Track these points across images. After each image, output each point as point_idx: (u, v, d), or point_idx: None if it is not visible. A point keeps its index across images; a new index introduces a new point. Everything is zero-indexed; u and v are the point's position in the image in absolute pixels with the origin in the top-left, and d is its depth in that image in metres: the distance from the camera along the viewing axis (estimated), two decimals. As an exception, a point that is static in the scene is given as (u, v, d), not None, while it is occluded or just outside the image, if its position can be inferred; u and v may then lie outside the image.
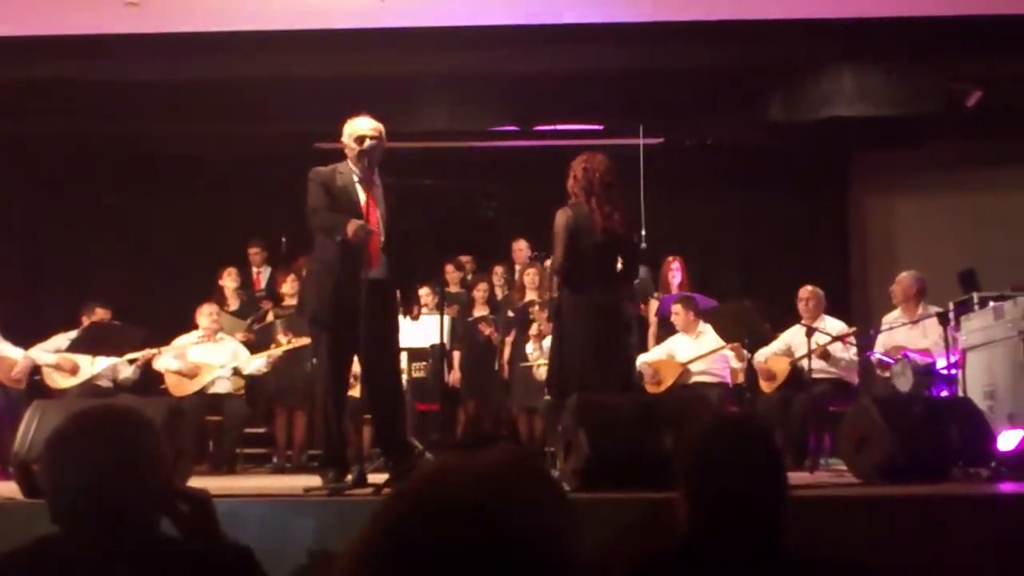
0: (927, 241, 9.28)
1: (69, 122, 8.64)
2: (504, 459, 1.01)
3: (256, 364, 7.72)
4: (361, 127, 4.91)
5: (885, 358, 6.83)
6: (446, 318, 5.68)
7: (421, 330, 7.17)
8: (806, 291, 7.18)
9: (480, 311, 8.41)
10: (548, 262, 5.74)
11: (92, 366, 7.30)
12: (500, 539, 0.93)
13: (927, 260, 7.93)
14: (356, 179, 4.92)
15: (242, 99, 8.51)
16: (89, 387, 7.31)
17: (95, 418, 1.91)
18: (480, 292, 8.44)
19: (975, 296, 6.59)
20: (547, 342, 7.52)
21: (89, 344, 7.12)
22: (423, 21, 7.82)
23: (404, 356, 7.56)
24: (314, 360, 6.22)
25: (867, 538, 3.55)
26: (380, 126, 4.95)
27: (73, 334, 7.32)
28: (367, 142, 4.86)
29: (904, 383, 6.51)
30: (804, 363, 6.65)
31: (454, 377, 8.24)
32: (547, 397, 7.41)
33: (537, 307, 7.75)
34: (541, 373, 7.54)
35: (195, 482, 4.54)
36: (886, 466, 4.67)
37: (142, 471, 1.86)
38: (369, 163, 4.88)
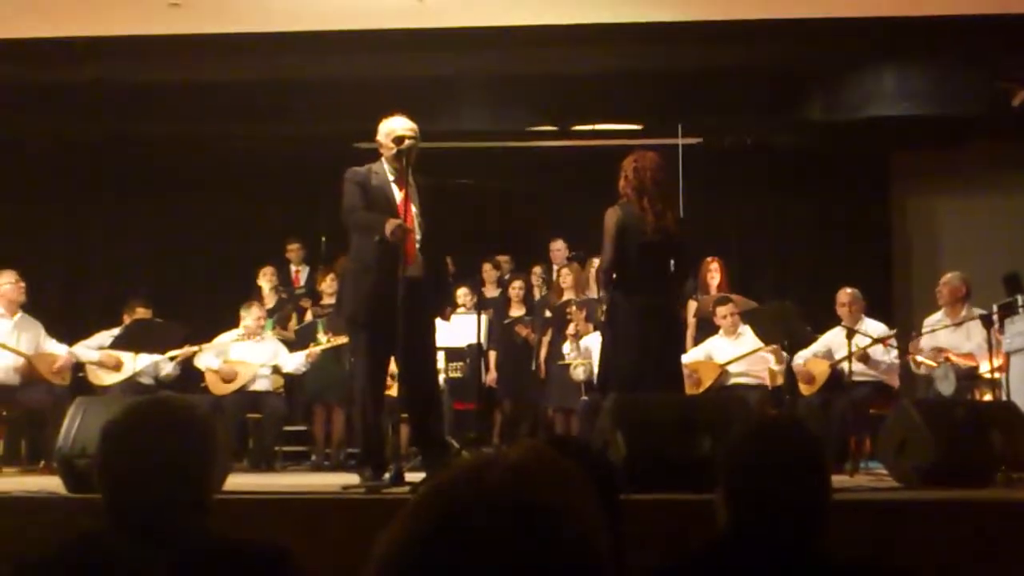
0: (970, 243, 9.15)
1: (111, 122, 8.75)
2: (540, 454, 1.01)
3: (295, 363, 7.78)
4: (399, 126, 4.94)
5: (927, 361, 6.75)
6: (483, 318, 5.70)
7: (458, 330, 7.22)
8: (846, 294, 7.10)
9: (516, 311, 8.42)
10: (594, 261, 5.70)
11: (135, 363, 7.39)
12: (537, 534, 0.93)
13: (969, 262, 7.82)
14: (391, 179, 4.95)
15: (282, 99, 8.58)
16: (132, 384, 7.39)
17: (152, 411, 1.92)
18: (515, 290, 8.44)
19: (1020, 299, 6.49)
20: (584, 342, 7.53)
21: (132, 341, 7.21)
22: (462, 21, 7.83)
23: (441, 355, 7.60)
24: (352, 359, 6.26)
25: (907, 543, 3.51)
26: (415, 126, 4.98)
27: (116, 331, 7.41)
28: (405, 142, 4.88)
29: (947, 387, 6.43)
30: (844, 365, 6.59)
31: (491, 377, 8.25)
32: (584, 397, 7.41)
33: (575, 307, 7.74)
34: (578, 373, 7.54)
35: (235, 479, 4.59)
36: (927, 470, 4.62)
37: (195, 467, 1.87)
38: (406, 162, 4.90)
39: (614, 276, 5.24)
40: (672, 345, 5.43)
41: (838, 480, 5.28)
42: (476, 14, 7.73)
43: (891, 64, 8.13)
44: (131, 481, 1.82)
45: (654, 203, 5.15)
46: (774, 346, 7.14)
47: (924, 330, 6.95)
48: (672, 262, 5.27)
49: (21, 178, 9.43)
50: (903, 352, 7.00)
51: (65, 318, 7.94)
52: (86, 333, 7.62)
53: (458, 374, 7.95)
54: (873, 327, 7.01)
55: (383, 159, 5.00)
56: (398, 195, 4.94)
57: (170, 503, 1.83)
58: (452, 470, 0.99)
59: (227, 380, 7.55)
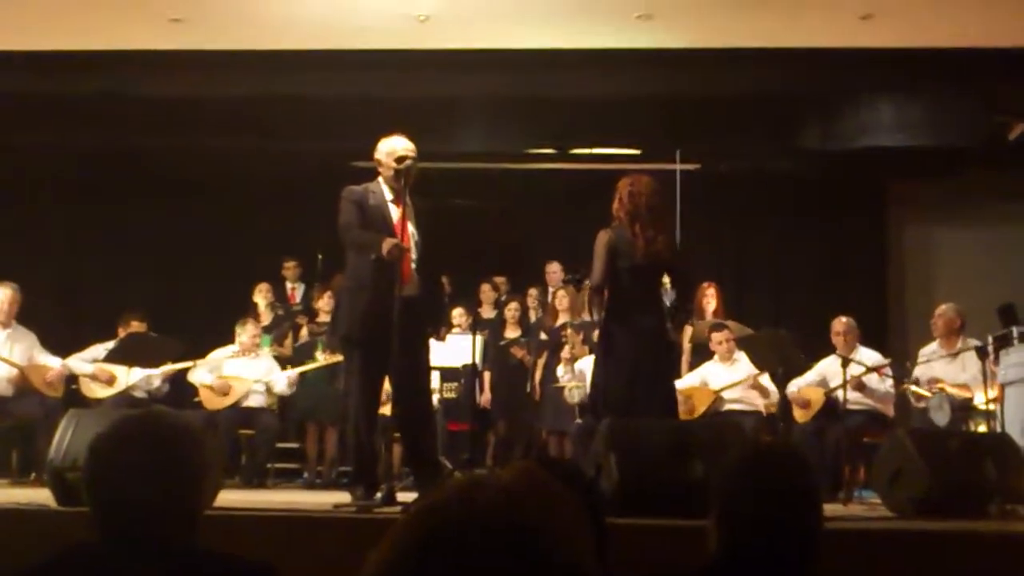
0: (965, 272, 9.17)
1: (111, 135, 8.76)
2: (532, 477, 1.01)
3: (281, 384, 7.74)
4: (400, 146, 4.95)
5: (922, 391, 6.75)
6: (478, 339, 5.70)
7: (453, 350, 7.21)
8: (840, 323, 7.10)
9: (511, 332, 8.41)
10: (586, 282, 5.71)
11: (128, 377, 7.37)
12: (528, 556, 0.93)
13: (965, 291, 7.84)
14: (389, 198, 4.96)
15: (281, 116, 8.60)
16: (124, 397, 7.37)
17: (141, 425, 1.92)
18: (511, 312, 8.44)
19: (1015, 330, 6.49)
20: (579, 365, 7.52)
21: (126, 355, 7.20)
22: (462, 43, 7.87)
23: (436, 376, 7.59)
24: (346, 377, 6.24)
25: (900, 573, 3.50)
26: (414, 146, 4.99)
27: (110, 344, 7.40)
28: (406, 162, 4.89)
29: (941, 417, 6.43)
30: (839, 394, 6.58)
31: (485, 398, 8.24)
32: (578, 420, 7.39)
33: (571, 330, 7.74)
34: (572, 396, 7.52)
35: (227, 495, 4.57)
36: (921, 500, 4.60)
37: (184, 480, 1.86)
38: (405, 182, 4.91)
39: (605, 300, 5.24)
40: (664, 369, 5.42)
41: (832, 509, 5.28)
42: (476, 36, 7.78)
43: (888, 95, 8.19)
44: (118, 495, 1.81)
45: (645, 228, 5.17)
46: (757, 382, 7.14)
47: (919, 360, 6.96)
48: (670, 287, 5.28)
49: (19, 189, 9.44)
50: (898, 381, 7.00)
51: (60, 330, 7.92)
52: (81, 345, 7.60)
53: (453, 394, 7.94)
54: (868, 356, 7.01)
55: (380, 178, 5.01)
56: (395, 214, 4.94)
57: (158, 517, 1.81)
58: (444, 491, 0.99)
59: (221, 394, 7.53)
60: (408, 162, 4.89)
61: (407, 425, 5.08)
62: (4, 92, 8.32)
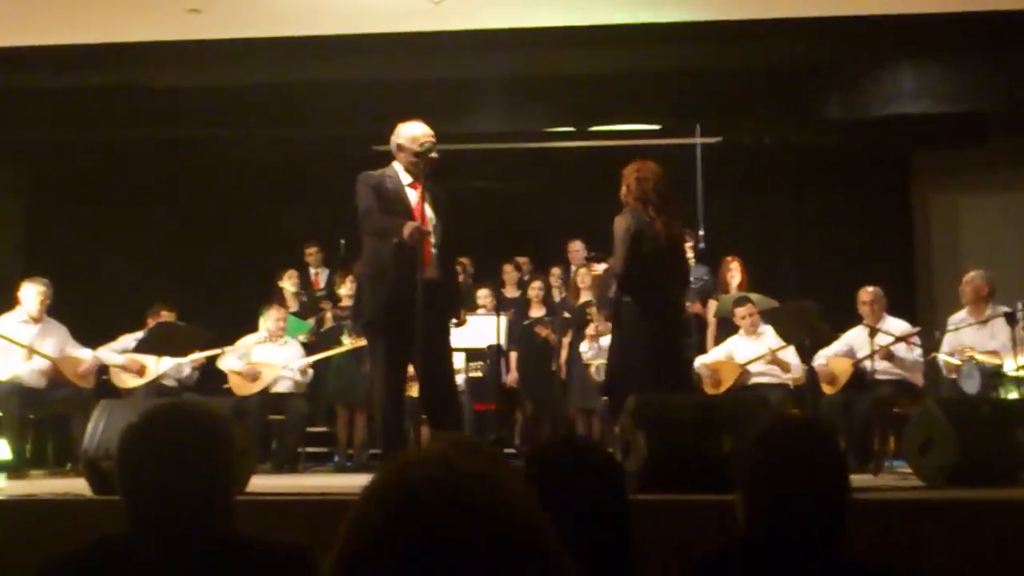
0: (991, 240, 9.08)
1: (133, 127, 8.81)
2: (460, 448, 1.02)
3: (298, 376, 7.76)
4: (419, 131, 4.97)
5: (951, 359, 6.71)
6: (503, 319, 5.72)
7: (478, 330, 7.24)
8: (867, 292, 7.06)
9: (536, 311, 8.42)
10: (603, 265, 5.74)
11: (158, 366, 7.44)
12: (475, 531, 0.94)
13: (991, 259, 7.76)
14: (406, 183, 4.97)
15: (300, 103, 8.62)
16: (155, 387, 7.45)
17: (170, 415, 1.94)
18: (535, 291, 8.45)
19: (1043, 296, 6.44)
20: (604, 341, 7.52)
21: (155, 344, 7.26)
22: (477, 23, 7.84)
23: (461, 356, 7.62)
24: (370, 363, 6.27)
25: (932, 542, 3.49)
26: (431, 131, 5.02)
27: (140, 335, 7.47)
28: (426, 145, 4.91)
29: (972, 385, 6.39)
30: (867, 364, 6.55)
31: (511, 378, 8.26)
32: (604, 398, 7.41)
33: (595, 308, 7.74)
34: (598, 374, 7.53)
35: (258, 480, 4.61)
36: (952, 469, 4.58)
37: (214, 469, 1.89)
38: (425, 166, 4.92)
39: (630, 284, 5.28)
40: (678, 345, 5.47)
41: (862, 480, 5.28)
42: (491, 16, 7.74)
43: (910, 62, 8.09)
44: (150, 484, 1.84)
45: (660, 211, 5.23)
46: (781, 354, 7.12)
47: (948, 328, 6.90)
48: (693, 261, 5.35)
49: (44, 184, 9.52)
50: (927, 350, 6.96)
51: (89, 321, 7.98)
52: (110, 336, 7.67)
53: (478, 374, 7.96)
54: (895, 325, 6.97)
55: (396, 163, 5.03)
56: (413, 198, 4.96)
57: (190, 505, 1.84)
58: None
59: (251, 380, 7.59)
60: (428, 145, 4.91)
61: (432, 407, 5.10)
62: (25, 87, 8.37)
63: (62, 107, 8.53)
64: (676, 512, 3.56)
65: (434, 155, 4.95)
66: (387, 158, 5.20)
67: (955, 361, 6.66)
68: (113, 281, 9.57)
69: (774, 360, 7.19)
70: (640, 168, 5.33)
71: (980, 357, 6.53)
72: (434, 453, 1.00)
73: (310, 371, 7.88)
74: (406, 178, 4.99)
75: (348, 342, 7.90)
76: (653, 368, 5.12)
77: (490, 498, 0.96)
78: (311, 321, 8.54)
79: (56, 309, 7.24)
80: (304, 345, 8.10)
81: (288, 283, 8.70)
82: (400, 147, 4.99)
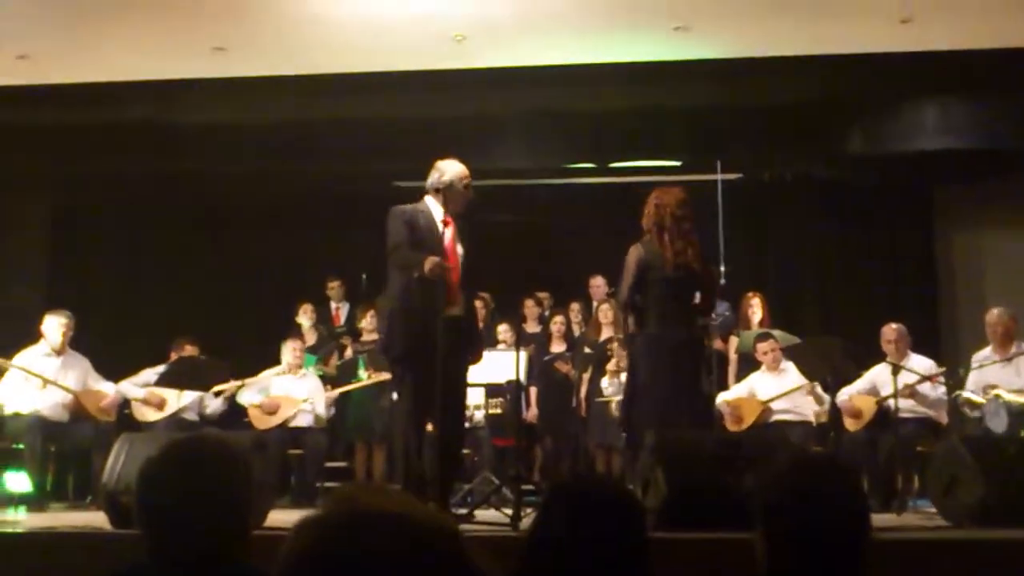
0: (1015, 276, 9.00)
1: (158, 162, 8.91)
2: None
3: (319, 408, 7.77)
4: (462, 170, 5.04)
5: (976, 397, 6.63)
6: (522, 354, 5.69)
7: (498, 366, 7.23)
8: (891, 330, 7.00)
9: (557, 347, 8.41)
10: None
11: (179, 400, 7.47)
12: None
13: (1016, 295, 7.70)
14: (439, 218, 5.00)
15: (323, 139, 8.70)
16: (176, 420, 7.47)
17: (187, 449, 1.95)
18: (556, 326, 8.44)
19: (1069, 334, 6.38)
20: (624, 378, 7.50)
21: (176, 378, 7.29)
22: (499, 60, 7.92)
23: (481, 392, 7.60)
24: (394, 395, 6.27)
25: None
26: None
27: (161, 368, 7.50)
28: (468, 184, 5.00)
29: (998, 423, 6.31)
30: (891, 402, 6.49)
31: (531, 413, 8.23)
32: (625, 434, 7.36)
33: (616, 343, 7.72)
34: (618, 410, 7.49)
35: (276, 515, 4.60)
36: (977, 509, 4.52)
37: (231, 503, 1.89)
38: (465, 204, 4.97)
39: (635, 313, 5.25)
40: (696, 380, 5.41)
41: (885, 519, 5.21)
42: (513, 53, 7.81)
43: (932, 97, 8.09)
44: (169, 518, 1.84)
45: (673, 239, 5.19)
46: (812, 387, 7.06)
47: (973, 366, 6.83)
48: (697, 296, 5.28)
49: (70, 217, 9.62)
50: (951, 388, 6.88)
51: (112, 354, 8.04)
52: (132, 370, 7.72)
53: (498, 410, 7.94)
54: (919, 363, 6.90)
55: (429, 199, 5.04)
56: (447, 235, 4.99)
57: (208, 539, 1.84)
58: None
59: (270, 413, 7.60)
60: (469, 187, 5.03)
61: (444, 442, 5.07)
62: (55, 124, 8.51)
63: (87, 142, 8.65)
64: (695, 550, 3.53)
65: (471, 195, 5.01)
66: (408, 194, 5.23)
67: (980, 399, 6.59)
68: (135, 314, 9.65)
69: (811, 392, 7.13)
70: (660, 195, 5.33)
71: (1007, 396, 6.46)
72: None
73: (333, 408, 7.90)
74: (439, 214, 5.02)
75: (365, 376, 7.91)
76: (669, 404, 5.06)
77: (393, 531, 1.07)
78: (318, 355, 8.52)
79: (78, 342, 7.29)
80: (322, 378, 8.12)
81: (304, 317, 8.72)
82: (448, 184, 5.02)
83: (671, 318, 5.17)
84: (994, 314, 6.86)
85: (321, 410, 7.77)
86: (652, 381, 5.15)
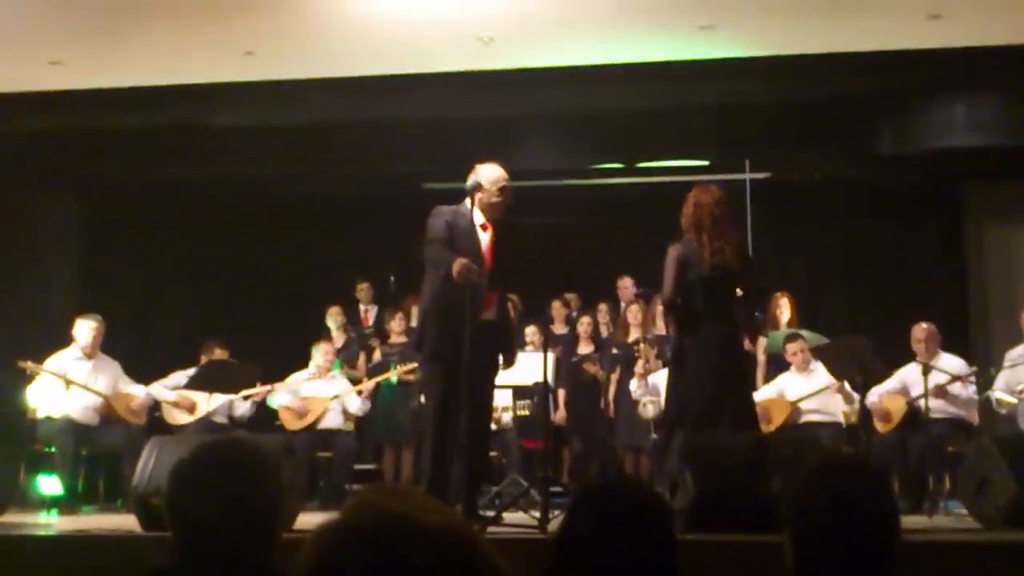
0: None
1: (187, 166, 8.99)
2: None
3: (356, 404, 7.81)
4: (502, 175, 5.02)
5: (1007, 397, 6.56)
6: (550, 356, 5.69)
7: (526, 367, 7.23)
8: (921, 329, 6.94)
9: (585, 348, 8.40)
10: (657, 296, 5.71)
11: (208, 403, 7.52)
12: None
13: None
14: (479, 222, 4.99)
15: (351, 141, 8.74)
16: (206, 423, 7.52)
17: (219, 451, 1.97)
18: (584, 327, 8.42)
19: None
20: (652, 379, 7.48)
21: (206, 381, 7.34)
22: (527, 62, 7.92)
23: (509, 394, 7.61)
24: (423, 398, 6.28)
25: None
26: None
27: (191, 371, 7.56)
28: (507, 189, 4.99)
29: (1030, 423, 6.25)
30: (921, 402, 6.43)
31: (559, 415, 8.22)
32: (654, 436, 7.34)
33: (644, 344, 7.69)
34: (646, 411, 7.47)
35: (305, 517, 4.63)
36: (1009, 510, 4.47)
37: (261, 506, 1.90)
38: (504, 209, 4.98)
39: (676, 314, 5.22)
40: (741, 381, 5.37)
41: (916, 521, 5.17)
42: (541, 54, 7.82)
43: (961, 95, 8.01)
44: (199, 520, 1.86)
45: (712, 238, 5.14)
46: (842, 385, 7.01)
47: (1005, 364, 6.76)
48: (740, 293, 5.23)
49: (99, 221, 9.71)
50: (982, 387, 6.82)
51: (142, 357, 8.12)
52: (162, 372, 7.78)
53: (526, 412, 7.94)
54: (949, 362, 6.84)
55: (469, 201, 5.01)
56: (484, 240, 4.99)
57: (238, 541, 1.85)
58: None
59: (300, 415, 7.65)
60: (509, 191, 4.99)
61: (470, 446, 5.07)
62: (87, 128, 8.60)
63: (119, 145, 8.73)
64: (724, 552, 3.52)
65: (510, 199, 4.99)
66: (437, 196, 5.22)
67: (1011, 399, 6.52)
68: (165, 317, 9.73)
69: (840, 389, 7.08)
70: (699, 193, 5.29)
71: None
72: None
73: (368, 401, 7.90)
74: (479, 218, 5.01)
75: (395, 375, 7.93)
76: (716, 404, 5.03)
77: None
78: (340, 358, 8.54)
79: (109, 345, 7.36)
80: (349, 380, 8.14)
81: (332, 320, 8.75)
82: (481, 187, 5.00)
83: (711, 317, 5.13)
84: (1032, 311, 6.79)
85: (356, 407, 7.79)
86: (696, 382, 5.09)
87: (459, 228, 4.95)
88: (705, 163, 9.37)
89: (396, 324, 8.38)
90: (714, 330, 5.13)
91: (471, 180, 5.02)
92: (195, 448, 1.97)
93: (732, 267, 5.15)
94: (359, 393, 7.84)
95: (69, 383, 6.97)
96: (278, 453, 4.40)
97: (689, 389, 5.13)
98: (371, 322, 9.22)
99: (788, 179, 9.55)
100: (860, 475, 1.91)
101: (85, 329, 7.15)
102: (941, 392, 6.59)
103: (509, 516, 5.02)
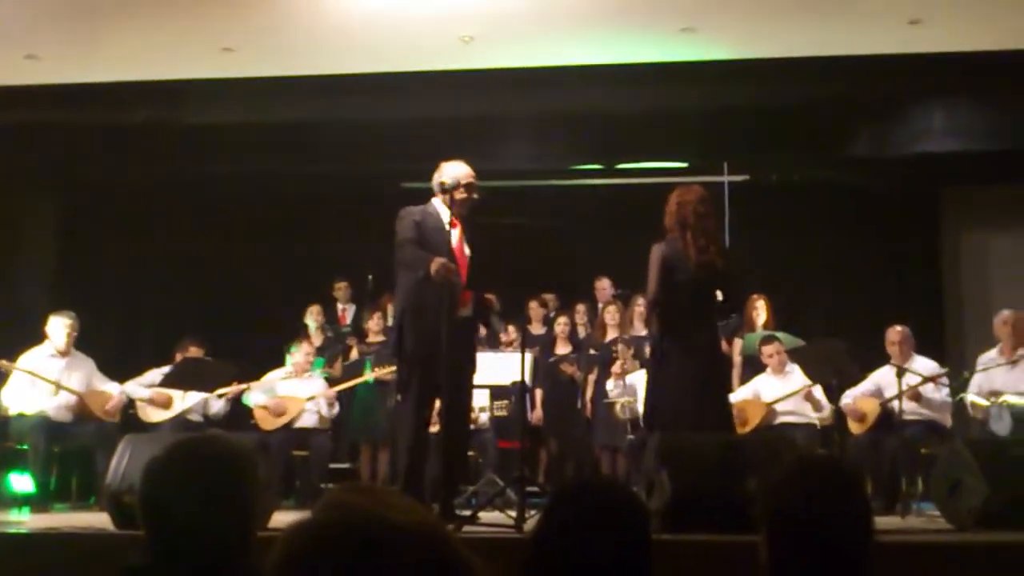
0: (1022, 278, 8.98)
1: (164, 163, 8.93)
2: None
3: (326, 411, 7.76)
4: (464, 172, 5.02)
5: (980, 400, 6.62)
6: (528, 356, 5.71)
7: (503, 368, 7.23)
8: (896, 332, 7.00)
9: (562, 348, 8.41)
10: (638, 299, 5.70)
11: (183, 401, 7.47)
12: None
13: (1021, 298, 7.67)
14: (446, 220, 5.00)
15: (330, 139, 8.71)
16: (180, 421, 7.47)
17: (193, 449, 1.95)
18: (562, 327, 8.43)
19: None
20: (630, 379, 7.49)
21: (181, 379, 7.29)
22: (507, 61, 7.92)
23: (486, 394, 7.60)
24: (398, 397, 6.27)
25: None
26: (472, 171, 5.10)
27: (166, 369, 7.51)
28: (472, 185, 4.98)
29: (1002, 427, 6.30)
30: (895, 404, 6.48)
31: (536, 415, 8.22)
32: (630, 436, 7.36)
33: (621, 345, 7.71)
34: (624, 411, 7.49)
35: (281, 516, 4.61)
36: (981, 512, 4.51)
37: (236, 504, 1.89)
38: (470, 206, 4.97)
39: (659, 313, 5.21)
40: (720, 383, 5.38)
41: (889, 522, 5.20)
42: (521, 54, 7.82)
43: (939, 100, 8.08)
44: (172, 518, 1.84)
45: (696, 238, 5.12)
46: (811, 392, 7.05)
47: (978, 368, 6.82)
48: (720, 294, 5.23)
49: (76, 218, 9.63)
50: (955, 391, 6.87)
51: (118, 355, 8.05)
52: (138, 370, 7.72)
53: (503, 412, 7.94)
54: (923, 365, 6.89)
55: (436, 200, 5.05)
56: (454, 237, 5.00)
57: (212, 540, 1.84)
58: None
59: (277, 415, 7.61)
60: (473, 188, 5.00)
61: (447, 445, 5.08)
62: (62, 124, 8.53)
63: (95, 142, 8.67)
64: (699, 552, 3.53)
65: (476, 196, 5.00)
66: (416, 195, 5.23)
67: (984, 403, 6.57)
68: (141, 315, 9.65)
69: (808, 396, 7.12)
70: (682, 193, 5.27)
71: (1011, 399, 6.44)
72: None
73: (336, 405, 7.87)
74: (446, 216, 5.03)
75: (370, 374, 7.90)
76: (695, 406, 5.02)
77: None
78: (322, 358, 8.51)
79: (84, 342, 7.30)
80: (327, 380, 8.12)
81: (311, 319, 8.72)
82: (443, 185, 5.02)
83: (695, 318, 5.12)
84: (1005, 315, 6.85)
85: (325, 410, 7.76)
86: (677, 384, 5.06)
87: (428, 227, 4.98)
88: (684, 165, 9.40)
89: (374, 323, 8.35)
90: (700, 334, 5.12)
91: (436, 178, 5.05)
92: (169, 446, 1.95)
93: (718, 265, 5.14)
94: (329, 403, 7.78)
95: (57, 387, 6.91)
96: (253, 451, 4.37)
97: (671, 392, 5.11)
98: (349, 321, 9.20)
99: (766, 182, 9.60)
100: (834, 476, 1.92)
101: (59, 326, 7.08)
102: (915, 395, 6.63)
103: (485, 516, 5.01)
